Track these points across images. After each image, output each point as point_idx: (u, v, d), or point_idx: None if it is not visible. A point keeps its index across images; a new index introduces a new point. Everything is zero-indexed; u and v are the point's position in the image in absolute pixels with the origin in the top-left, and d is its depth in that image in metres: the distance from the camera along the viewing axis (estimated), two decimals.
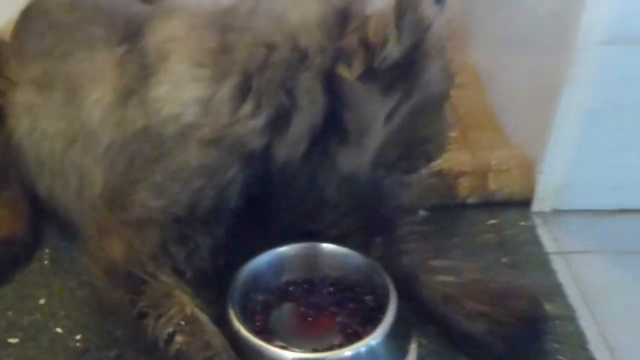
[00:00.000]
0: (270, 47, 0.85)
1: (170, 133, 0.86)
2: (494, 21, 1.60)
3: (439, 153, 1.08)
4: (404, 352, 0.92)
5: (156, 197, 0.87)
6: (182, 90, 0.86)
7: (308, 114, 0.85)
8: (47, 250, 1.11)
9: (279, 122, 0.85)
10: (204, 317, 0.84)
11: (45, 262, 1.09)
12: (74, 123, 0.99)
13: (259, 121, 0.84)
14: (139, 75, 0.90)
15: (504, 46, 1.52)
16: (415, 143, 0.98)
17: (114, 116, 0.93)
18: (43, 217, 1.13)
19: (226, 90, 0.85)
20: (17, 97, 1.07)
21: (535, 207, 1.22)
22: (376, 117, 0.88)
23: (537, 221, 1.20)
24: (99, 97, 0.95)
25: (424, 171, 1.06)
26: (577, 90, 1.11)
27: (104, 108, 0.94)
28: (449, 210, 1.20)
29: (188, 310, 0.83)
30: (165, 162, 0.87)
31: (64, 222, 1.09)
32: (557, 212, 1.22)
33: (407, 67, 0.85)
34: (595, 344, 0.94)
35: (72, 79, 1.01)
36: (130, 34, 0.96)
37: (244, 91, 0.85)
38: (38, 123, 1.04)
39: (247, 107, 0.84)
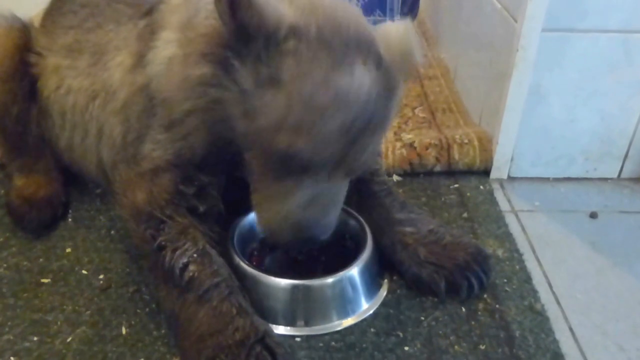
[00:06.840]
0: None
1: (154, 89, 0.96)
2: (457, 21, 1.77)
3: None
4: (377, 284, 1.07)
5: (155, 148, 0.97)
6: (162, 51, 0.96)
7: None
8: (70, 211, 1.25)
9: None
10: (213, 252, 0.96)
11: (69, 219, 1.23)
12: (97, 81, 1.09)
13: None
14: (148, 42, 1.00)
15: (466, 42, 1.69)
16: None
17: (129, 78, 1.03)
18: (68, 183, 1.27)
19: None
20: (47, 62, 1.17)
21: (493, 174, 1.39)
22: None
23: (495, 186, 1.37)
24: (121, 60, 1.06)
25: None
26: (522, 73, 1.26)
27: (124, 70, 1.05)
28: (419, 177, 1.37)
29: (200, 245, 0.95)
30: (157, 115, 0.96)
31: (80, 173, 1.21)
32: (511, 179, 1.40)
33: None
34: (537, 280, 1.10)
35: (99, 46, 1.11)
36: (151, 9, 1.05)
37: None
38: (65, 80, 1.14)
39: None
